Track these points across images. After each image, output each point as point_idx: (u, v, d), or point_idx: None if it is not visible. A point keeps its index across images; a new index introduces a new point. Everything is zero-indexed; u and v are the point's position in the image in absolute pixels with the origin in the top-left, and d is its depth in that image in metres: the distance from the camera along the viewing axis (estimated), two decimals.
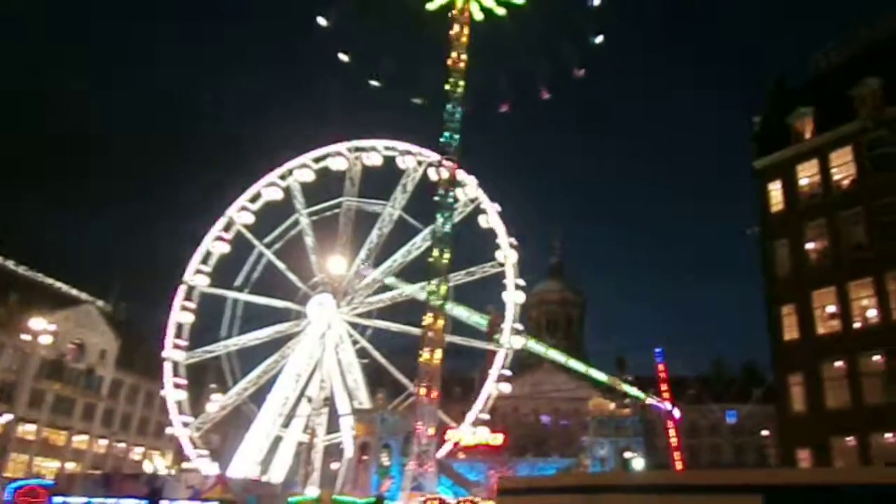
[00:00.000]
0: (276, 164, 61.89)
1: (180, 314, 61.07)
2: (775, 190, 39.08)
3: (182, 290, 61.42)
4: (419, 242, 56.74)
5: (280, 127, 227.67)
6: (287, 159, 61.25)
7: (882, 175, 34.52)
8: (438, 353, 44.73)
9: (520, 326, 52.62)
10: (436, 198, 46.68)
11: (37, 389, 65.46)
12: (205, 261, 62.46)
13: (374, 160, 57.75)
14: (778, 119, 40.02)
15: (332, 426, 60.57)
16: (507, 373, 51.80)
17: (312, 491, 52.92)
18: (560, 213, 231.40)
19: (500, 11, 47.20)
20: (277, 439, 60.33)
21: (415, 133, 58.02)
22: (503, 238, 53.64)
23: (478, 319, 53.27)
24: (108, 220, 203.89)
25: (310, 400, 57.72)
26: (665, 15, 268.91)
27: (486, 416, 51.94)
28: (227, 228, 62.54)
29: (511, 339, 51.15)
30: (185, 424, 59.36)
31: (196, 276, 61.91)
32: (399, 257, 58.34)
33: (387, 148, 57.46)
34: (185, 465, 59.21)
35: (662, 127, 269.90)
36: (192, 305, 61.69)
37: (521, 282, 53.56)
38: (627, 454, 43.23)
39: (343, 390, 60.36)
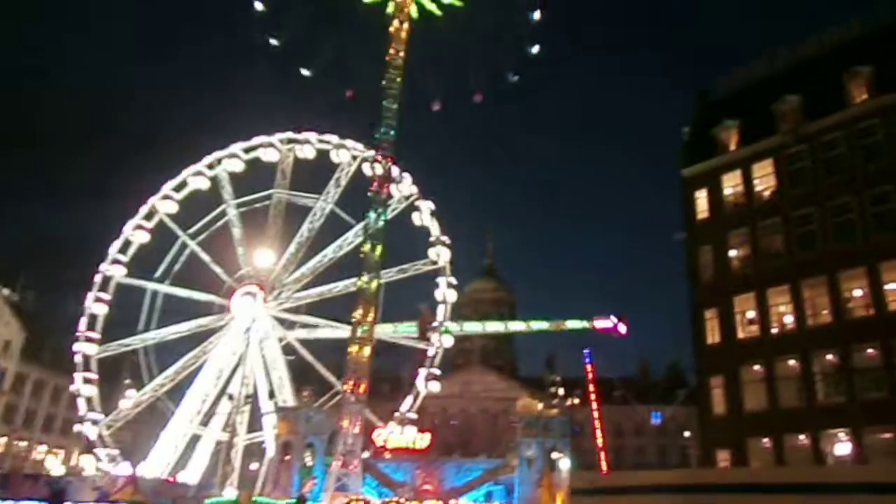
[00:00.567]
0: (205, 153, 60.60)
1: (94, 305, 58.99)
2: (701, 198, 41.10)
3: (97, 280, 59.36)
4: (351, 238, 56.62)
5: (210, 116, 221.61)
6: (216, 149, 60.12)
7: (799, 188, 36.83)
8: (367, 348, 44.85)
9: (451, 325, 53.26)
10: (370, 193, 46.81)
11: None
12: (123, 250, 60.53)
13: (308, 153, 57.26)
14: (705, 130, 42.08)
15: (254, 425, 59.64)
16: (437, 372, 52.30)
17: (230, 492, 52.10)
18: (494, 213, 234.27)
19: (438, 11, 47.66)
20: (195, 438, 58.99)
21: (350, 128, 57.98)
22: (436, 236, 54.16)
23: (405, 329, 53.61)
24: (17, 205, 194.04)
25: (231, 397, 56.74)
26: (602, 23, 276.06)
27: (414, 416, 52.29)
28: (148, 217, 60.78)
29: (442, 338, 51.76)
30: (95, 422, 57.37)
31: (113, 265, 59.93)
32: (330, 252, 58.08)
33: (321, 141, 57.06)
34: (84, 463, 57.16)
35: (599, 131, 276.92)
36: (108, 297, 59.68)
37: (454, 280, 54.28)
38: (555, 454, 44.34)
39: (266, 387, 59.57)
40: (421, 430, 50.75)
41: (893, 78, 34.31)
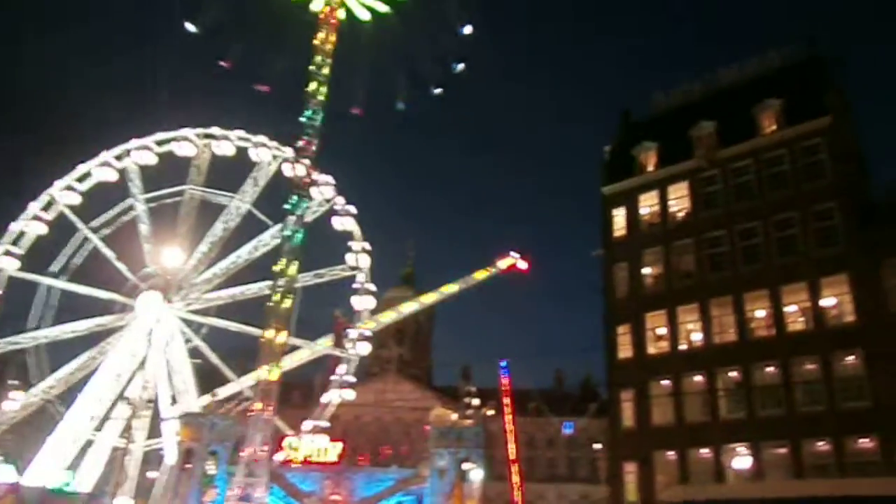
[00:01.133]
0: (114, 144, 58.26)
1: None
2: (619, 216, 42.81)
3: None
4: (267, 239, 55.63)
5: (123, 105, 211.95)
6: (127, 140, 57.86)
7: (711, 211, 38.94)
8: (277, 371, 43.89)
9: (368, 332, 53.10)
10: (286, 205, 45.61)
11: None
12: (16, 242, 57.41)
13: (226, 149, 55.77)
14: (626, 150, 43.92)
15: (154, 431, 57.67)
16: (351, 379, 52.00)
17: (125, 501, 50.22)
18: (416, 221, 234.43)
19: (365, 16, 47.67)
20: (89, 444, 56.40)
21: (272, 127, 56.83)
22: (357, 242, 53.95)
23: (320, 347, 53.09)
24: None
25: (128, 402, 54.66)
26: (531, 40, 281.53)
27: (326, 424, 51.73)
28: (46, 208, 57.91)
29: (358, 346, 51.54)
30: None
31: (4, 258, 56.76)
32: (244, 253, 56.83)
33: (240, 138, 55.72)
34: None
35: (524, 145, 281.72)
36: None
37: (372, 287, 54.10)
38: (467, 465, 44.88)
39: (169, 392, 57.69)
40: (332, 439, 50.32)
41: (801, 112, 36.87)
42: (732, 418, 35.27)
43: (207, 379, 60.58)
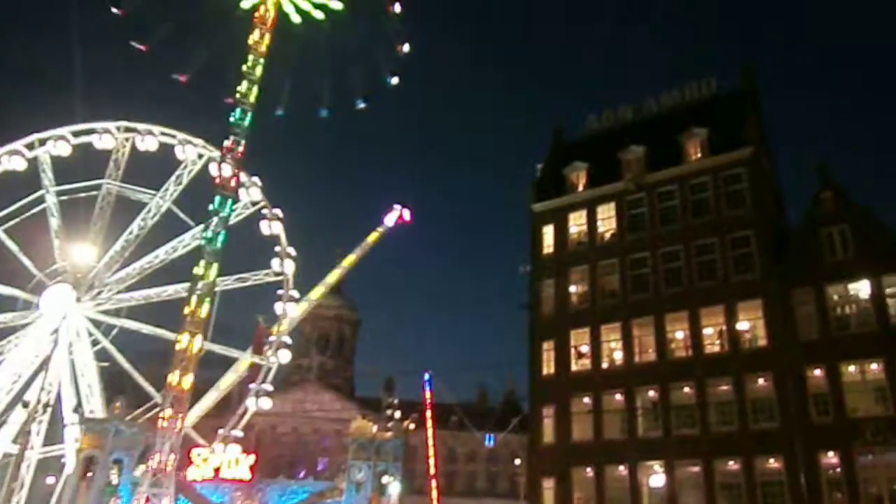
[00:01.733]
0: (26, 132, 55.42)
1: None
2: (548, 233, 43.69)
3: None
4: (188, 240, 53.79)
5: (39, 93, 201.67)
6: (42, 129, 55.15)
7: (636, 233, 40.26)
8: (189, 378, 42.67)
9: (288, 340, 52.06)
10: (211, 207, 44.62)
11: None
12: None
13: (149, 145, 53.56)
14: (556, 169, 44.97)
15: (54, 437, 54.88)
16: (269, 388, 50.76)
17: None
18: (345, 227, 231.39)
19: (296, 19, 47.39)
20: None
21: (200, 126, 55.39)
22: (283, 247, 52.94)
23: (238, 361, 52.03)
24: None
25: (26, 405, 51.92)
26: (471, 54, 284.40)
27: (240, 434, 50.30)
28: None
29: (279, 354, 50.46)
30: None
31: None
32: (162, 254, 54.80)
33: (165, 134, 53.76)
34: None
35: (458, 158, 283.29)
36: None
37: (296, 294, 53.10)
38: (385, 479, 44.52)
39: (72, 396, 55.05)
40: (246, 451, 49.07)
41: (725, 142, 38.69)
42: (649, 436, 36.29)
43: (115, 383, 58.26)
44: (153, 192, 54.98)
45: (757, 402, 34.21)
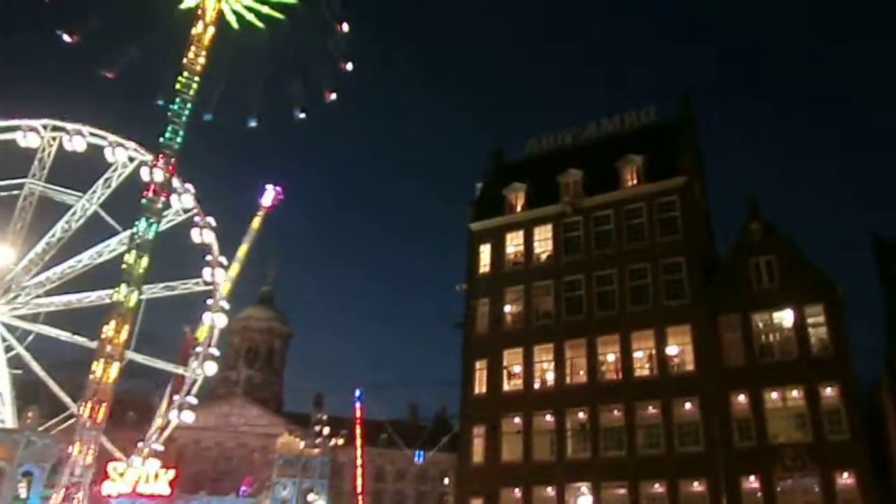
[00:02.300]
0: None
1: None
2: (485, 252, 43.10)
3: None
4: (114, 245, 51.14)
5: None
6: None
7: (571, 255, 40.06)
8: (114, 369, 40.27)
9: (216, 352, 50.03)
10: (143, 200, 42.89)
11: None
12: None
13: (77, 145, 50.64)
14: (495, 189, 44.59)
15: None
16: (193, 401, 48.59)
17: None
18: (281, 242, 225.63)
19: (235, 25, 46.28)
20: None
21: (135, 132, 52.86)
22: (214, 256, 50.98)
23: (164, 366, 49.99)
24: None
25: None
26: (419, 71, 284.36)
27: (160, 448, 47.92)
28: None
29: (205, 365, 48.36)
30: None
31: None
32: (86, 258, 51.99)
33: (94, 135, 51.11)
34: None
35: (397, 176, 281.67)
36: None
37: (226, 304, 51.17)
38: (311, 496, 43.07)
39: None
40: (166, 465, 46.72)
41: (659, 170, 38.99)
42: (578, 458, 35.84)
43: (29, 392, 54.86)
44: (79, 194, 52.24)
45: (683, 426, 34.20)
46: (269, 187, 57.85)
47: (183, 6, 44.10)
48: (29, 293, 52.43)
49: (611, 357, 37.14)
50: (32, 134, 50.98)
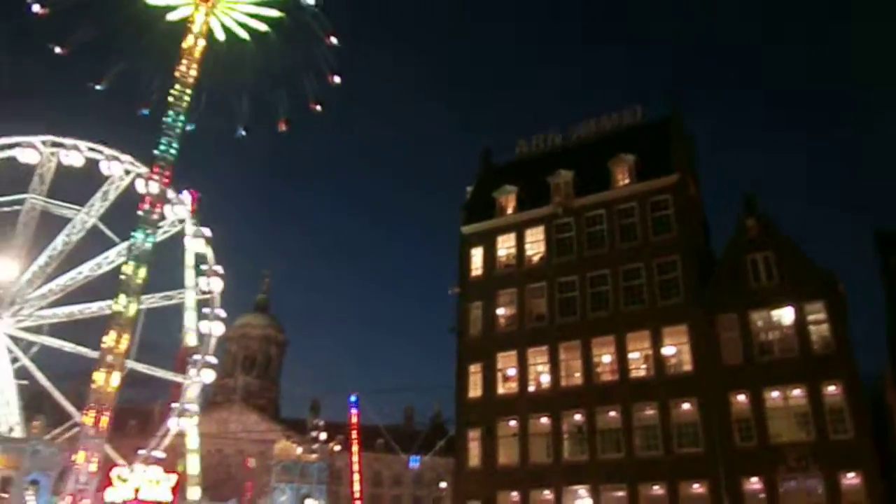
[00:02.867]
0: None
1: None
2: (477, 256, 39.57)
3: None
4: (113, 257, 47.97)
5: None
6: None
7: (564, 257, 36.56)
8: (116, 377, 37.39)
9: (213, 360, 46.68)
10: (140, 212, 39.74)
11: None
12: None
13: (75, 160, 47.68)
14: (486, 192, 41.03)
15: None
16: (192, 408, 45.34)
17: None
18: (276, 252, 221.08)
19: (243, 35, 43.37)
20: None
21: (129, 143, 49.77)
22: (210, 265, 47.77)
23: (192, 341, 46.76)
24: None
25: None
26: (406, 74, 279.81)
27: (162, 455, 44.66)
28: None
29: (203, 373, 45.01)
30: None
31: None
32: (87, 270, 48.80)
33: (91, 149, 48.01)
34: None
35: (388, 181, 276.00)
36: None
37: (222, 313, 47.80)
38: (309, 501, 39.58)
39: None
40: (167, 471, 43.40)
41: (651, 168, 35.44)
42: (575, 460, 32.64)
43: (34, 402, 51.64)
44: (78, 207, 49.19)
45: (682, 426, 30.92)
46: (185, 192, 52.15)
47: (171, 18, 40.84)
48: (32, 305, 49.37)
49: (606, 358, 33.66)
50: (31, 150, 48.47)
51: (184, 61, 41.14)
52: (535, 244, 37.82)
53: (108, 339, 37.59)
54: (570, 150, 39.88)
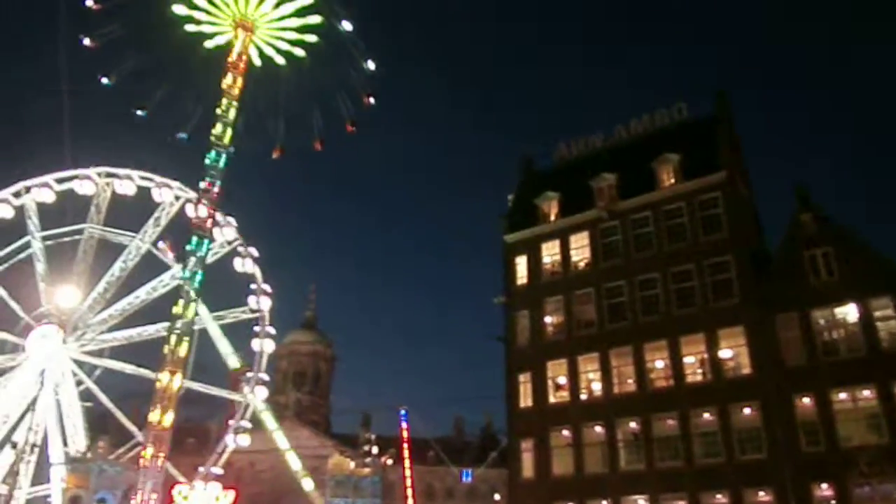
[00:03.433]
0: (12, 181, 49.81)
1: None
2: (521, 264, 38.10)
3: None
4: (167, 280, 48.02)
5: (22, 145, 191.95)
6: (26, 177, 49.58)
7: (611, 261, 34.85)
8: (170, 416, 37.11)
9: (265, 377, 46.12)
10: (188, 246, 39.34)
11: None
12: None
13: (127, 189, 48.04)
14: (528, 199, 39.54)
15: (41, 476, 48.30)
16: (247, 425, 44.68)
17: None
18: (320, 269, 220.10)
19: (280, 61, 43.02)
20: None
21: (176, 169, 49.93)
22: (258, 284, 47.40)
23: (234, 363, 46.39)
24: None
25: (14, 446, 45.48)
26: (446, 84, 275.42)
27: (220, 471, 44.06)
28: None
29: (256, 391, 44.47)
30: None
31: None
32: (143, 294, 48.92)
33: (143, 178, 48.40)
34: None
35: (429, 192, 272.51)
36: None
37: (272, 330, 47.24)
38: None
39: (58, 436, 48.57)
40: (226, 488, 42.86)
41: (698, 167, 33.50)
42: (632, 469, 30.86)
43: (99, 423, 51.87)
44: (133, 234, 49.45)
45: (743, 432, 28.95)
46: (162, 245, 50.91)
47: (210, 44, 40.65)
48: (94, 330, 49.68)
49: (660, 364, 31.77)
50: (88, 181, 48.86)
51: (228, 75, 40.92)
52: (581, 250, 36.13)
53: (167, 348, 37.25)
54: (612, 152, 38.02)
